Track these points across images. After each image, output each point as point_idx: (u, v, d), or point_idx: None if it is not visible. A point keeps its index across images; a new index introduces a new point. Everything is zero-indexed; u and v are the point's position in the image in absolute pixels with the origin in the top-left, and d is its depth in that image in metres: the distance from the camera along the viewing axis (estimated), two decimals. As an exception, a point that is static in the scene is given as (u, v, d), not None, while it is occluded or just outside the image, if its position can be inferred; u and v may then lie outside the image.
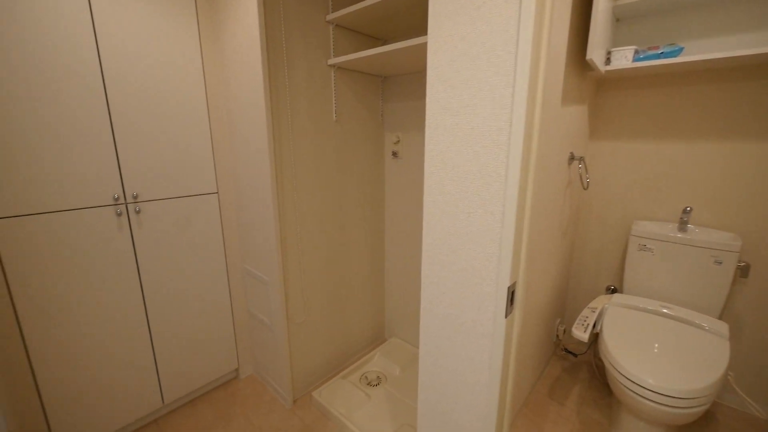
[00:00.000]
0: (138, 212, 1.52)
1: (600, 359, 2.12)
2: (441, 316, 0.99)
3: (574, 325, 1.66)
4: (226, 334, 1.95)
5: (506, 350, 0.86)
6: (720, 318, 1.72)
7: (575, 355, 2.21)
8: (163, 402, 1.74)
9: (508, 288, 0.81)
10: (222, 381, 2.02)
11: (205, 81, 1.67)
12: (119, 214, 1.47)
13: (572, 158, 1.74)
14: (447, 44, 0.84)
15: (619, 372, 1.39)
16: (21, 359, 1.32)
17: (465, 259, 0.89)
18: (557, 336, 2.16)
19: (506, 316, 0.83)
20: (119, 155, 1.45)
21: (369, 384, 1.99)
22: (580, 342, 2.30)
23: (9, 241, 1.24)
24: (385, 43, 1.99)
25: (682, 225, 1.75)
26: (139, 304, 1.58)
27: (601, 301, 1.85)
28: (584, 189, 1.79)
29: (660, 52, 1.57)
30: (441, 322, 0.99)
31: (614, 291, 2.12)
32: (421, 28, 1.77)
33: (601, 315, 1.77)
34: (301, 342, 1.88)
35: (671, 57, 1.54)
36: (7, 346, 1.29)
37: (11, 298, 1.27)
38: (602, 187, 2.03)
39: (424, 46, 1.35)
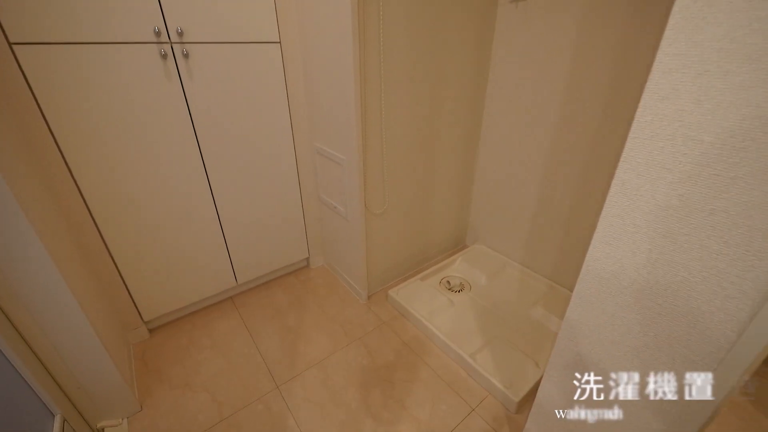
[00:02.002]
0: (186, 56, 1.19)
1: None
2: (664, 207, 0.56)
3: None
4: (295, 220, 1.75)
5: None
6: None
7: None
8: (236, 281, 1.67)
9: None
10: (293, 269, 1.92)
11: None
12: (164, 56, 1.15)
13: None
14: None
15: None
16: (84, 216, 1.21)
17: None
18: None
19: None
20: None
21: (451, 290, 1.75)
22: None
23: (42, 74, 0.99)
24: None
25: None
26: (201, 173, 1.37)
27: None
28: None
29: None
30: (662, 216, 0.57)
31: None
32: None
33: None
34: (378, 235, 1.63)
35: None
36: (71, 207, 1.16)
37: (58, 146, 1.09)
38: None
39: None
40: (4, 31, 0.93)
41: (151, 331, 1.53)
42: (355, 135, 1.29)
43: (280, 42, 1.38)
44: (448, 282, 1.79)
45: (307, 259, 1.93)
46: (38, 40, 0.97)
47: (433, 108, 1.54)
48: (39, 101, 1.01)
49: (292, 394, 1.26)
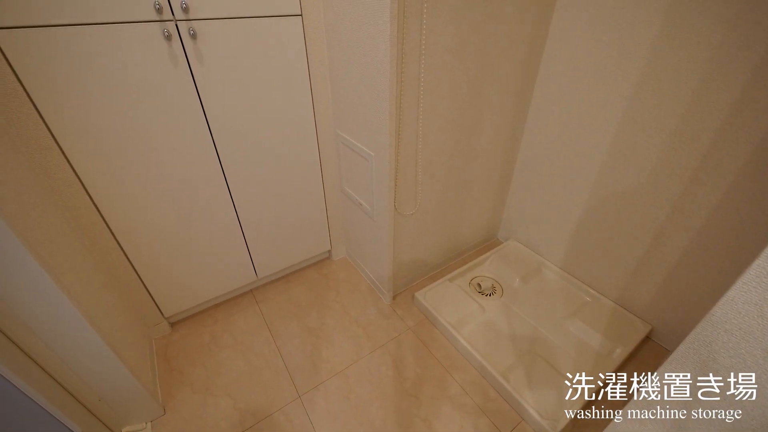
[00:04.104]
0: (194, 36, 1.01)
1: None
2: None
3: None
4: (317, 212, 1.63)
5: None
6: None
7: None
8: (256, 275, 1.60)
9: None
10: (313, 260, 1.83)
11: None
12: (168, 37, 0.97)
13: None
14: None
15: None
16: (94, 217, 1.12)
17: None
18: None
19: None
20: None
21: (481, 293, 1.63)
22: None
23: (29, 64, 0.86)
24: None
25: None
26: (215, 164, 1.24)
27: None
28: None
29: None
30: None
31: None
32: None
33: None
34: (406, 236, 1.49)
35: None
36: (77, 209, 1.07)
37: (59, 146, 0.97)
38: None
39: None
40: (-20, 13, 0.79)
41: (172, 324, 1.50)
42: (387, 130, 1.12)
43: (301, 15, 1.17)
44: (479, 284, 1.67)
45: (329, 251, 1.83)
46: (18, 24, 0.82)
47: (475, 94, 1.33)
48: (30, 95, 0.88)
49: (315, 407, 1.21)
